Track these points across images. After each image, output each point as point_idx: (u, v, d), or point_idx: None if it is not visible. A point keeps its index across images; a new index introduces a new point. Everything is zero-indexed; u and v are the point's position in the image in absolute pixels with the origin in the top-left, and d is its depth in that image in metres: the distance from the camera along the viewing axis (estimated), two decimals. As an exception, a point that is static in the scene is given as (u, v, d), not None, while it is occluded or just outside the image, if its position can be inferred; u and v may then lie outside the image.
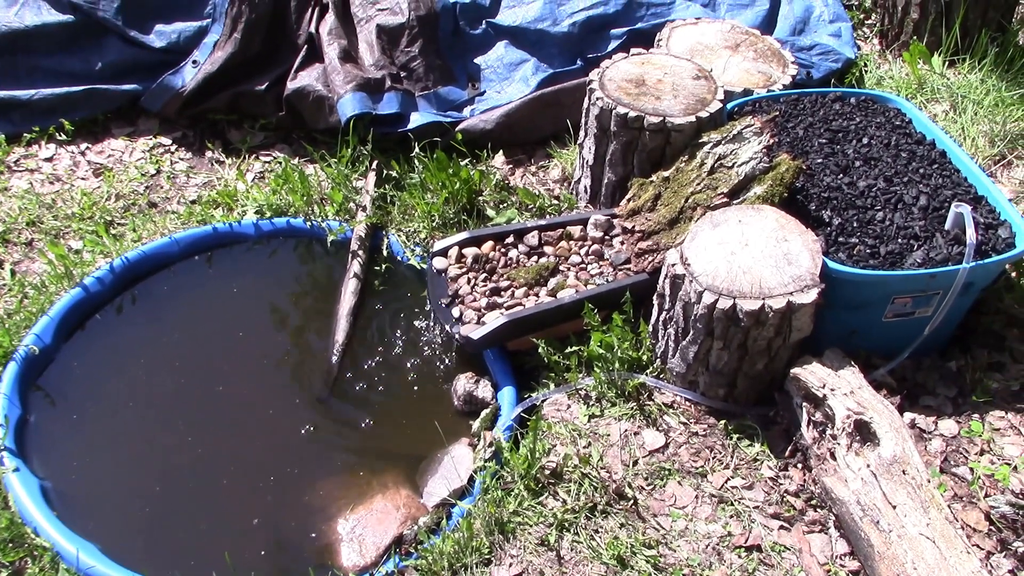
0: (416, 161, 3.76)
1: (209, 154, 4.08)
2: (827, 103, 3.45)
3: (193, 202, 3.83)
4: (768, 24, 4.42)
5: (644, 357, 3.00)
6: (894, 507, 2.34)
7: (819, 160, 3.14)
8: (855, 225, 2.90)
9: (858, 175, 3.07)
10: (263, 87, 4.09)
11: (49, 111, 4.09)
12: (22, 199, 3.75)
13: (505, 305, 3.09)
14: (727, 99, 3.38)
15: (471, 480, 2.76)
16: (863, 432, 2.51)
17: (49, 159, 3.99)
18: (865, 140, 3.22)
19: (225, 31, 4.11)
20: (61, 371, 3.16)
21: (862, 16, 4.81)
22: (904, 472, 2.39)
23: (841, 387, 2.59)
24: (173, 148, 4.10)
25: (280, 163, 3.98)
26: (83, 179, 3.91)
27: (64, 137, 4.08)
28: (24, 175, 3.90)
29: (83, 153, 4.04)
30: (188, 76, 4.06)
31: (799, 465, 2.73)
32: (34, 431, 2.96)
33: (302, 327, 3.42)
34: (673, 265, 2.75)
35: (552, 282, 3.15)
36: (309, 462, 2.94)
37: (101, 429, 3.00)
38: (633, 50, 3.60)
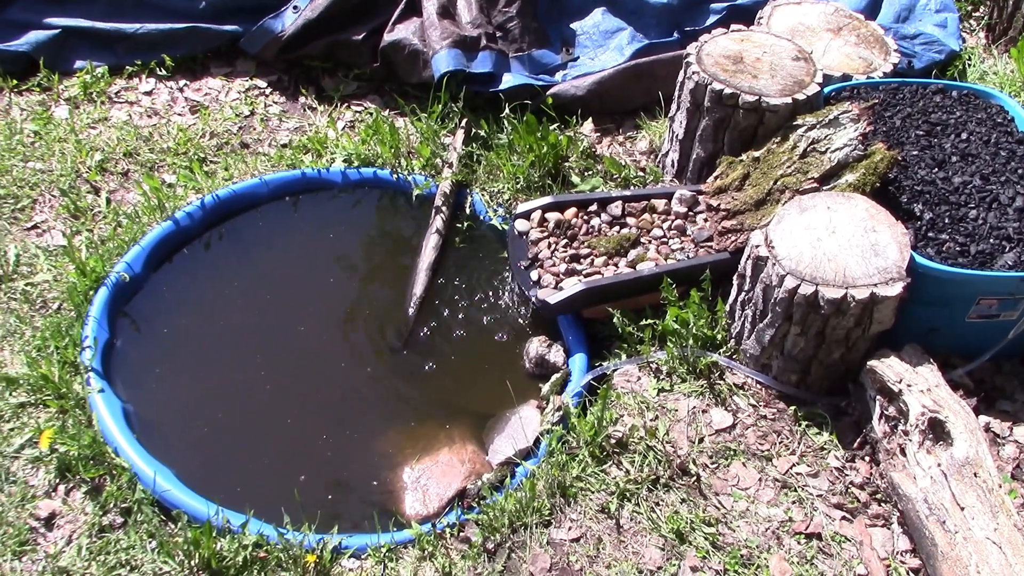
0: (505, 122, 3.76)
1: (302, 100, 4.14)
2: (928, 94, 3.37)
3: (284, 146, 3.89)
4: (872, 9, 4.32)
5: (718, 336, 2.99)
6: (962, 509, 2.32)
7: (915, 152, 3.08)
8: (947, 221, 2.84)
9: (954, 171, 3.00)
10: (360, 37, 4.12)
11: (152, 46, 4.17)
12: (121, 130, 3.85)
13: (583, 272, 3.11)
14: (825, 83, 3.32)
15: (537, 442, 2.79)
16: (936, 431, 2.48)
17: (148, 93, 4.08)
18: (964, 135, 3.15)
19: (327, -21, 4.15)
20: (148, 300, 3.25)
21: (970, 8, 4.67)
22: (975, 475, 2.37)
23: (918, 383, 2.56)
24: (268, 91, 4.16)
25: (371, 114, 4.02)
26: (180, 115, 4.00)
27: (164, 73, 4.16)
28: (124, 107, 4.00)
29: (181, 90, 4.13)
30: (288, 21, 4.11)
31: (867, 458, 2.71)
32: (120, 355, 3.06)
33: (382, 277, 3.48)
34: (757, 246, 2.73)
35: (632, 253, 3.15)
36: (379, 410, 3.01)
37: (182, 359, 3.10)
38: (733, 26, 3.55)
